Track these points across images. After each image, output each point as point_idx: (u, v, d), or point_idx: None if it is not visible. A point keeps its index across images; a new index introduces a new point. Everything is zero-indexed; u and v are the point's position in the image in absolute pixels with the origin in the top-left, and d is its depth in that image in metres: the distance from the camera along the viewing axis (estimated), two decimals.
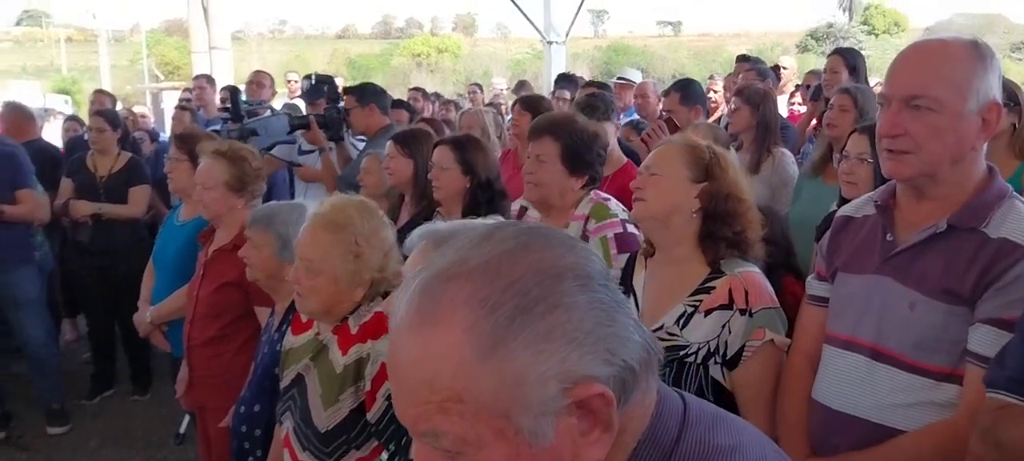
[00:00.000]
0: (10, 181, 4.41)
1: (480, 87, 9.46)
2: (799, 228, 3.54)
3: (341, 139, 4.46)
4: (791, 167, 4.01)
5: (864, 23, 78.23)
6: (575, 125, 2.58)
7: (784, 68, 6.83)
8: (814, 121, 5.07)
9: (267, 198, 3.43)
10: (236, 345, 2.87)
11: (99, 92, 6.71)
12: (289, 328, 2.27)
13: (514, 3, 9.28)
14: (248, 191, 2.95)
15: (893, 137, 1.53)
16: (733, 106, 4.00)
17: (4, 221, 4.35)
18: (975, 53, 1.52)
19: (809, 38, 78.16)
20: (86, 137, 5.61)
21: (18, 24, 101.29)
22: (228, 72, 11.59)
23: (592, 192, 2.60)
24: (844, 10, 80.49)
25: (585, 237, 2.50)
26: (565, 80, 7.37)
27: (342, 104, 4.61)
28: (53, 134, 7.38)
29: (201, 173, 2.92)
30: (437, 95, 8.85)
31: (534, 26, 9.64)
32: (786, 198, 3.86)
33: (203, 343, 2.91)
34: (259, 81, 5.93)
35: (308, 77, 5.28)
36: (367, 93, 4.51)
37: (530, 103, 4.68)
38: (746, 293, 1.84)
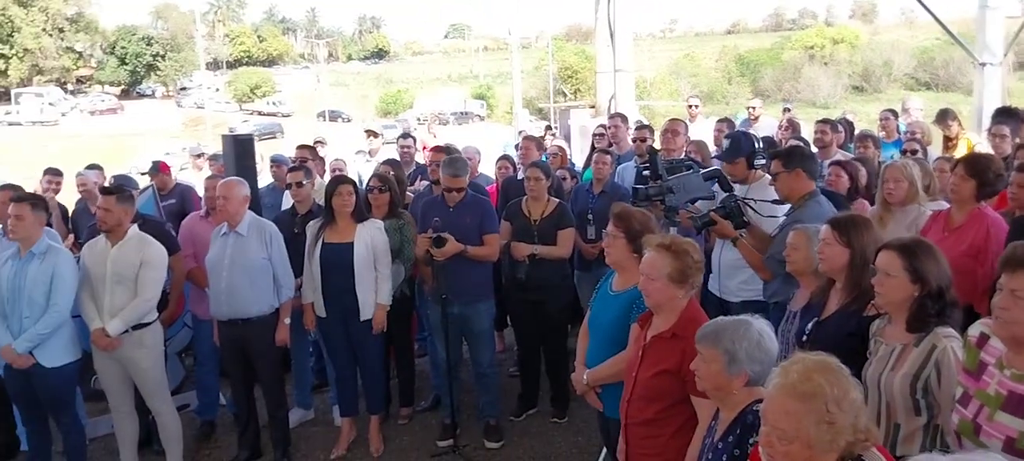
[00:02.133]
0: (479, 226, 5.24)
1: (894, 112, 8.68)
2: None
3: (747, 225, 4.44)
4: None
5: None
6: None
7: None
8: None
9: None
10: (672, 429, 3.07)
11: (529, 139, 7.47)
12: None
13: (944, 28, 8.28)
14: (689, 283, 3.14)
15: None
16: None
17: (471, 260, 5.16)
18: None
19: None
20: (519, 178, 6.37)
21: (446, 37, 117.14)
22: (630, 95, 12.09)
23: None
24: None
25: None
26: (1005, 115, 6.50)
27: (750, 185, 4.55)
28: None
29: (646, 264, 3.17)
30: (847, 124, 8.34)
31: (964, 47, 8.50)
32: None
33: (640, 423, 3.16)
34: (675, 130, 6.14)
35: (729, 136, 5.33)
36: (794, 157, 4.44)
37: (975, 168, 4.26)
38: None
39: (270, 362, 5.14)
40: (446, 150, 6.82)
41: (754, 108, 10.41)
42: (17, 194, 5.04)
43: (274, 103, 71.89)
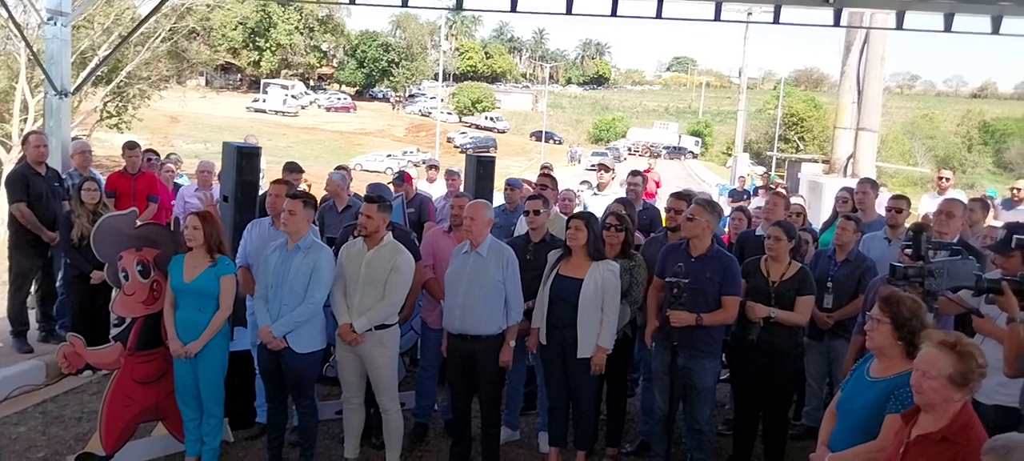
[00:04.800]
0: (720, 283, 5.11)
1: None
2: None
3: None
4: None
5: None
6: None
7: None
8: None
9: None
10: None
11: (776, 195, 7.21)
12: None
13: None
14: (970, 387, 2.89)
15: None
16: None
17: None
18: None
19: None
20: (758, 234, 6.17)
21: (669, 69, 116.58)
22: (871, 156, 11.39)
23: None
24: None
25: None
26: None
27: None
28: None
29: (925, 361, 2.95)
30: None
31: None
32: None
33: None
34: (950, 212, 5.63)
35: (1006, 227, 4.85)
36: None
37: None
38: None
39: (492, 380, 5.31)
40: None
41: (1020, 189, 9.42)
42: (292, 191, 5.56)
43: (492, 119, 74.89)
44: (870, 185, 7.26)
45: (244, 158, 6.24)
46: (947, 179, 9.57)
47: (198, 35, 25.93)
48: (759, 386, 5.44)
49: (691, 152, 68.50)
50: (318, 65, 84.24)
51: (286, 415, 5.45)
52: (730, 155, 39.62)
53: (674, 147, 68.27)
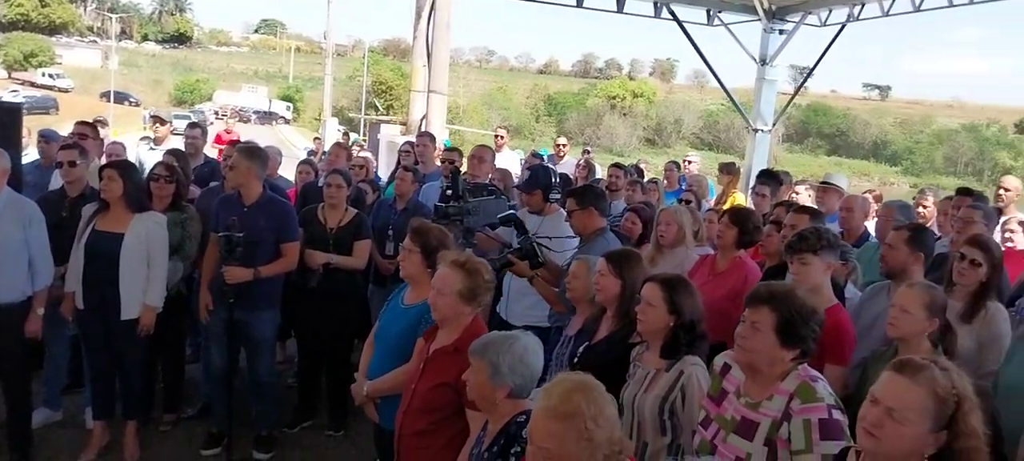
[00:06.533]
0: (277, 231, 4.97)
1: (677, 165, 9.49)
2: (1010, 392, 3.39)
3: (542, 264, 4.57)
4: (1003, 324, 3.79)
5: None
6: (795, 300, 2.60)
7: (1006, 190, 6.25)
8: None
9: None
10: (444, 440, 3.11)
11: (339, 146, 7.36)
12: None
13: (724, 89, 9.24)
14: (477, 301, 3.22)
15: None
16: (973, 259, 3.83)
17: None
18: None
19: None
20: (319, 185, 6.24)
21: (256, 31, 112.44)
22: (442, 117, 12.24)
23: (800, 367, 2.60)
24: None
25: (787, 415, 2.51)
26: (768, 176, 7.27)
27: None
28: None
29: (438, 279, 3.22)
30: (637, 170, 8.97)
31: (742, 113, 9.58)
32: (995, 355, 3.68)
33: (414, 434, 3.18)
34: (481, 157, 6.25)
35: (530, 168, 5.54)
36: (588, 196, 4.72)
37: (738, 218, 4.73)
38: None
39: (14, 355, 4.63)
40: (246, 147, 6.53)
41: (563, 145, 10.96)
42: None
43: (51, 76, 65.65)
44: (429, 138, 7.77)
45: None
46: (502, 137, 10.76)
47: None
48: (321, 333, 5.53)
49: (283, 117, 67.28)
50: None
51: None
52: (320, 121, 39.78)
53: (265, 112, 66.36)
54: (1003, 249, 5.15)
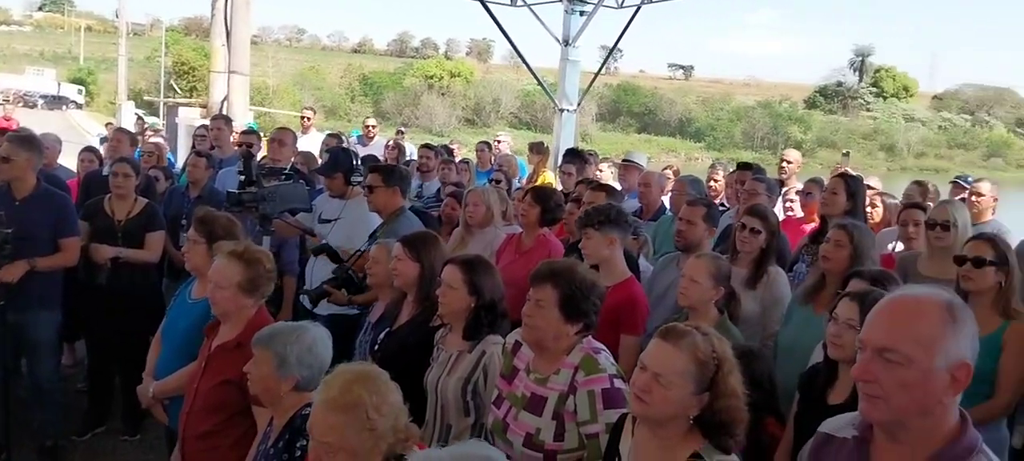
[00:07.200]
0: (54, 225, 4.57)
1: (488, 145, 9.62)
2: (788, 353, 3.67)
3: (362, 291, 4.43)
4: (784, 288, 4.12)
5: (874, 85, 79.05)
6: (575, 275, 2.69)
7: (788, 162, 6.85)
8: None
9: (276, 257, 3.49)
10: (231, 440, 2.98)
11: (120, 131, 6.83)
12: None
13: (530, 70, 9.46)
14: (259, 293, 3.08)
15: (866, 382, 1.63)
16: (752, 227, 4.12)
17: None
18: (948, 314, 1.59)
19: (818, 94, 78.77)
20: (104, 174, 5.76)
21: (40, 9, 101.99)
22: (244, 98, 11.66)
23: (585, 341, 2.70)
24: (855, 70, 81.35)
25: (573, 388, 2.60)
26: (573, 155, 7.52)
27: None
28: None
29: (215, 272, 3.04)
30: (447, 150, 9.00)
31: (548, 94, 9.82)
32: (777, 316, 3.97)
33: (198, 435, 3.03)
34: (281, 140, 6.01)
35: (329, 151, 5.37)
36: (394, 176, 4.68)
37: (540, 196, 4.85)
38: None
39: None
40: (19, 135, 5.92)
41: (373, 126, 10.78)
42: None
43: None
44: (224, 121, 7.38)
45: None
46: (309, 118, 10.47)
47: None
48: (113, 333, 5.14)
49: (74, 102, 61.65)
50: None
51: None
52: (116, 105, 36.78)
53: (53, 96, 60.50)
54: (783, 217, 5.69)
